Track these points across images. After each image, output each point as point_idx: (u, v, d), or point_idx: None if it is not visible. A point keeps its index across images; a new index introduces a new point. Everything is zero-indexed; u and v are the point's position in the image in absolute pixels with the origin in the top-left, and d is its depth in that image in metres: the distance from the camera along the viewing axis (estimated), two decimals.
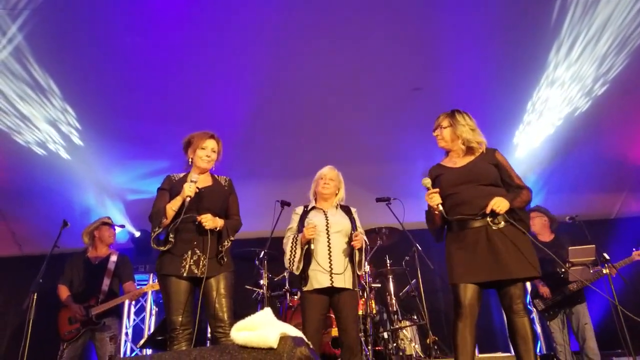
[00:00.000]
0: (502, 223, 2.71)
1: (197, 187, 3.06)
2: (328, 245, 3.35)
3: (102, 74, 5.06)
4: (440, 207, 2.77)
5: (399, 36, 4.81)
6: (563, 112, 5.66)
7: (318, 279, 3.26)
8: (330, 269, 3.27)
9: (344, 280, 3.28)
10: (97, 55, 4.86)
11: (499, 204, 2.66)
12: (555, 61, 5.08)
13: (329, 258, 3.31)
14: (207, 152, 3.17)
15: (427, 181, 2.85)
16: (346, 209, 3.61)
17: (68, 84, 5.15)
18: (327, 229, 3.40)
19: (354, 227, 3.47)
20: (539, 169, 6.30)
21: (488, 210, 2.68)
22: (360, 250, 3.35)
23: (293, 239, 3.41)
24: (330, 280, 3.25)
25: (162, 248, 3.03)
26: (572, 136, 5.86)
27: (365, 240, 3.43)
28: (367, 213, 5.76)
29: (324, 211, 3.52)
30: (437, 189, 2.80)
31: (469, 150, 2.93)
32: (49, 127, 5.57)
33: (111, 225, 4.79)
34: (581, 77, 5.24)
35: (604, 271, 4.27)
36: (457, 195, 2.81)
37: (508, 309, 2.69)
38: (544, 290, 4.66)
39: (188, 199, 2.96)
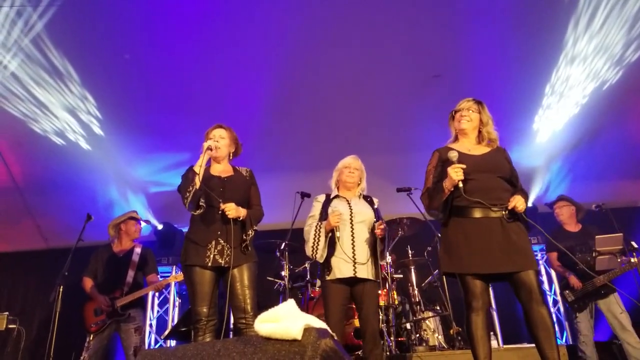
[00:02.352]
0: (512, 219, 2.71)
1: (221, 176, 3.16)
2: (352, 235, 3.32)
3: (123, 64, 5.02)
4: (461, 184, 2.68)
5: (418, 22, 4.75)
6: (588, 88, 5.43)
7: (341, 268, 3.23)
8: (354, 259, 3.25)
9: (366, 271, 3.25)
10: (118, 45, 4.83)
11: (522, 204, 2.67)
12: (574, 37, 4.89)
13: (352, 248, 3.28)
14: (214, 139, 3.23)
15: (455, 154, 2.73)
16: (369, 200, 3.58)
17: (88, 69, 5.03)
18: (350, 219, 3.37)
19: (377, 216, 3.44)
20: (563, 155, 6.17)
21: (510, 207, 2.66)
22: (382, 240, 3.32)
23: (316, 226, 3.36)
24: (354, 270, 3.22)
25: (196, 212, 3.06)
26: (598, 115, 5.62)
27: (386, 232, 3.39)
28: (388, 203, 5.73)
29: (347, 200, 3.49)
30: (464, 165, 2.69)
31: (484, 141, 2.94)
32: (67, 115, 5.46)
33: (138, 220, 4.84)
34: (607, 47, 4.98)
35: (632, 260, 4.18)
36: (475, 181, 2.74)
37: (526, 299, 2.61)
38: (575, 282, 4.58)
39: (209, 151, 3.05)
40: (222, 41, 4.92)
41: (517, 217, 2.73)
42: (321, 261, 3.32)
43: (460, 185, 2.68)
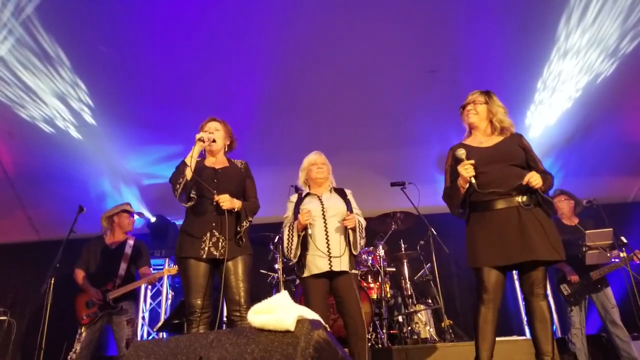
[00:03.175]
0: (532, 205, 2.67)
1: (215, 168, 3.17)
2: (325, 230, 3.33)
3: (117, 51, 4.90)
4: (473, 180, 2.68)
5: (413, 16, 4.74)
6: (582, 81, 5.39)
7: (317, 263, 3.25)
8: (329, 253, 3.25)
9: (341, 263, 3.25)
10: (112, 32, 4.71)
11: (537, 179, 2.60)
12: (567, 31, 4.86)
13: (327, 242, 3.29)
14: (209, 131, 3.23)
15: (462, 152, 2.74)
16: (340, 192, 3.57)
17: (79, 55, 4.84)
18: (323, 214, 3.37)
19: (349, 209, 3.42)
20: (556, 150, 6.19)
21: (525, 182, 2.61)
22: (354, 230, 3.30)
23: (289, 226, 3.39)
24: (329, 264, 3.23)
25: (187, 204, 3.05)
26: (591, 109, 5.60)
27: (359, 220, 3.37)
28: (382, 197, 5.77)
29: (318, 196, 3.49)
30: (473, 161, 2.69)
31: (497, 131, 2.90)
32: (57, 102, 5.26)
33: (131, 213, 4.82)
34: (601, 39, 4.92)
35: (622, 254, 4.24)
36: (487, 174, 2.74)
37: (529, 292, 2.66)
38: (573, 276, 4.62)
39: (201, 142, 3.03)
40: (219, 33, 4.87)
41: (538, 203, 2.69)
42: (294, 260, 3.34)
43: (473, 181, 2.68)
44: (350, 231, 3.31)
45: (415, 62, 5.18)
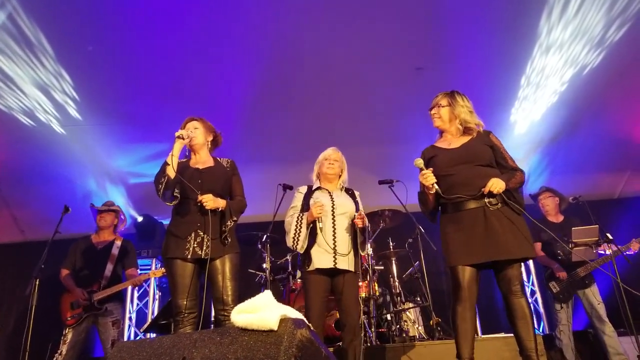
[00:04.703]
0: (499, 204, 2.72)
1: (199, 168, 3.17)
2: (333, 226, 3.34)
3: (102, 46, 4.76)
4: (436, 186, 2.75)
5: (400, 14, 4.73)
6: (567, 75, 5.38)
7: (321, 259, 3.25)
8: (335, 250, 3.26)
9: (347, 262, 3.27)
10: (98, 23, 4.53)
11: (496, 185, 2.66)
12: (548, 26, 4.84)
13: (334, 239, 3.30)
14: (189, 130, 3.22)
15: (420, 161, 2.82)
16: (350, 192, 3.61)
17: (65, 44, 4.57)
18: (332, 210, 3.39)
19: (358, 209, 3.47)
20: (542, 147, 6.23)
21: (486, 191, 2.67)
22: (362, 230, 3.33)
23: (298, 217, 3.38)
24: (334, 261, 3.24)
25: (171, 203, 3.06)
26: (578, 102, 5.60)
27: (367, 223, 3.40)
28: (370, 195, 5.73)
29: (329, 192, 3.50)
30: (430, 169, 2.77)
31: (465, 131, 2.93)
32: (38, 92, 4.93)
33: (106, 211, 4.76)
34: (585, 30, 4.89)
35: (607, 251, 4.27)
36: (454, 176, 2.80)
37: (506, 290, 2.69)
38: (562, 273, 4.66)
39: (180, 139, 3.03)
40: (207, 30, 4.80)
41: (506, 202, 2.72)
42: (301, 252, 3.33)
43: (436, 187, 2.75)
44: (358, 231, 3.32)
45: (403, 59, 5.18)
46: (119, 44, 4.81)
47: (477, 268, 2.73)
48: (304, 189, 3.58)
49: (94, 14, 4.46)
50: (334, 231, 3.33)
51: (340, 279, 3.28)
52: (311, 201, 3.41)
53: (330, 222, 3.36)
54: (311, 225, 3.34)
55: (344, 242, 3.33)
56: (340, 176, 3.62)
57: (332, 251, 3.26)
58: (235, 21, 4.74)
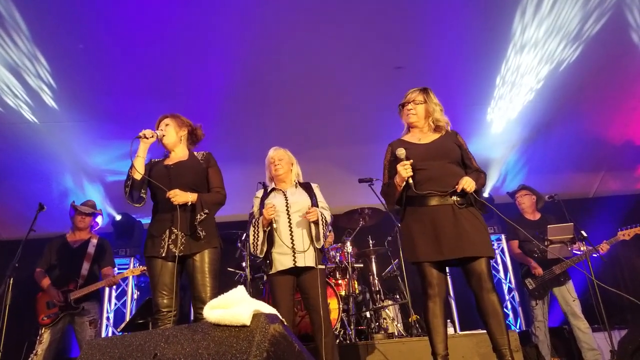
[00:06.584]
0: (465, 204, 2.75)
1: (168, 164, 3.16)
2: (289, 225, 3.32)
3: (80, 41, 4.61)
4: (411, 180, 2.75)
5: (378, 13, 4.74)
6: (543, 71, 5.41)
7: (281, 260, 3.24)
8: (293, 249, 3.24)
9: (306, 259, 3.23)
10: (80, 15, 4.37)
11: (469, 184, 2.69)
12: (522, 25, 4.87)
13: (291, 238, 3.28)
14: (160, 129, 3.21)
15: (402, 151, 2.79)
16: (306, 186, 3.55)
17: (42, 24, 4.21)
18: (287, 209, 3.36)
19: (314, 203, 3.41)
20: (519, 147, 6.31)
21: (459, 189, 2.70)
22: (316, 223, 3.29)
23: (254, 222, 3.36)
24: (294, 260, 3.22)
25: (137, 205, 3.06)
26: (554, 101, 5.65)
27: (322, 214, 3.34)
28: (349, 194, 5.78)
29: (283, 192, 3.47)
30: (412, 160, 2.76)
31: (435, 129, 2.97)
32: (7, 73, 4.53)
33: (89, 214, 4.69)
34: (561, 26, 4.89)
35: (582, 248, 4.36)
36: (426, 171, 2.81)
37: (477, 287, 2.67)
38: (537, 270, 4.73)
39: (144, 138, 3.03)
40: (186, 26, 4.75)
41: (471, 203, 2.77)
42: (261, 256, 3.31)
43: (410, 181, 2.75)
44: (313, 225, 3.30)
45: (382, 58, 5.20)
46: (100, 37, 4.70)
47: (443, 265, 2.77)
48: (260, 193, 3.55)
49: (77, 3, 4.29)
50: (290, 230, 3.30)
51: (304, 277, 3.26)
52: (265, 204, 3.37)
53: (285, 221, 3.33)
54: (268, 228, 3.30)
55: (302, 239, 3.29)
56: (291, 172, 3.57)
57: (290, 250, 3.24)
58: (214, 22, 4.71)
